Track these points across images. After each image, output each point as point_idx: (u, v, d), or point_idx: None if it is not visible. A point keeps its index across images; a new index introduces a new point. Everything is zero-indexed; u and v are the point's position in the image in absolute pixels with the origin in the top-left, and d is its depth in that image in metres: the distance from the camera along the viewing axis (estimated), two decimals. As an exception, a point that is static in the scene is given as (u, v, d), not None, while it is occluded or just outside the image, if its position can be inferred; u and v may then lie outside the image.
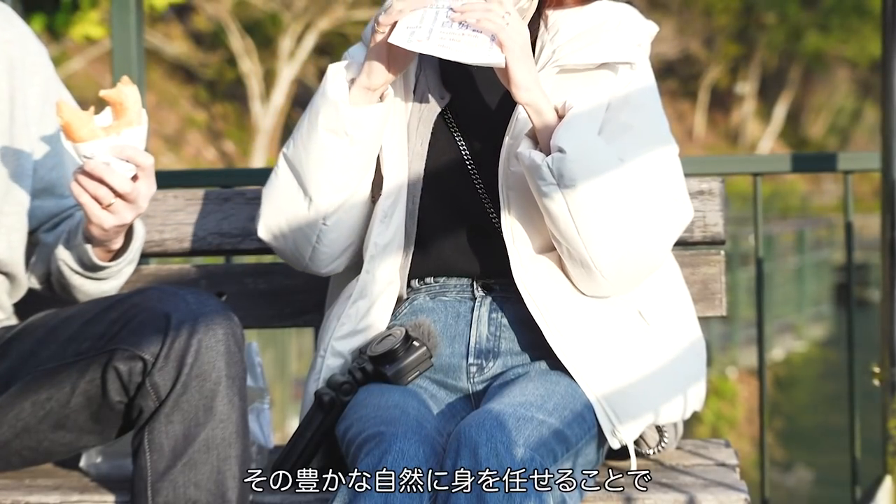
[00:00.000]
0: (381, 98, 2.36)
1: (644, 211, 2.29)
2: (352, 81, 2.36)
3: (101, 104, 2.24)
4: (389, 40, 2.26)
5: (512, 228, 2.35)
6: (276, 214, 2.43)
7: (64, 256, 2.39)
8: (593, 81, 2.38)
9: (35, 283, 2.49)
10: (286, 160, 2.40)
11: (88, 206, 2.23)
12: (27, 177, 2.42)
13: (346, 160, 2.35)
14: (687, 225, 2.39)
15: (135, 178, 2.23)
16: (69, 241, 2.39)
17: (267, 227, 2.45)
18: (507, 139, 2.36)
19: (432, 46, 2.24)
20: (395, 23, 2.28)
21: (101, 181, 2.20)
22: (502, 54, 2.24)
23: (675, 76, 26.17)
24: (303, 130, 2.38)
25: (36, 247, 2.48)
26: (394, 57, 2.31)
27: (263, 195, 2.45)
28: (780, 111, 28.38)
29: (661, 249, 2.34)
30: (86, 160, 2.19)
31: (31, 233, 2.47)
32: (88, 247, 2.34)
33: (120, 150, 2.20)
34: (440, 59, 2.39)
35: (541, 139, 2.29)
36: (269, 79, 17.97)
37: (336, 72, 2.36)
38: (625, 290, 2.35)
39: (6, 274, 2.42)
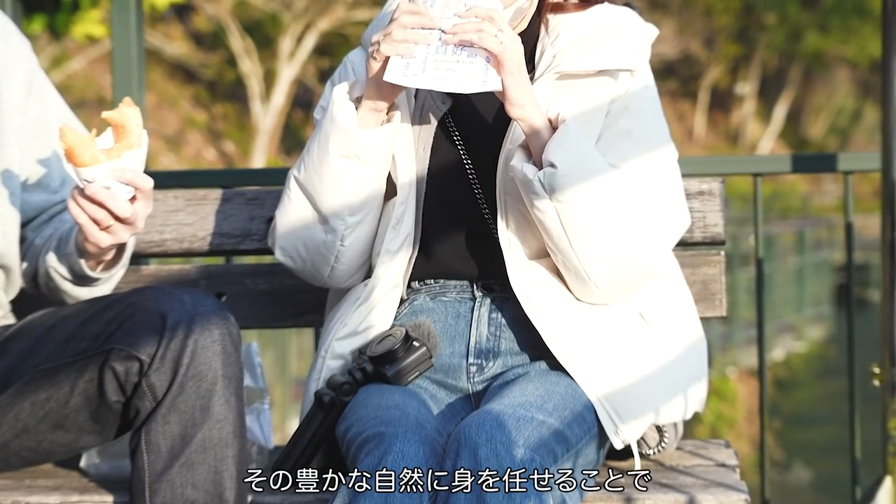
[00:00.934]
0: (389, 116, 2.36)
1: (638, 222, 2.29)
2: (357, 100, 2.35)
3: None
4: (385, 78, 2.25)
5: (508, 233, 2.35)
6: (291, 238, 2.43)
7: (54, 264, 2.38)
8: (593, 87, 2.37)
9: (22, 282, 2.48)
10: (298, 184, 2.39)
11: (87, 227, 2.23)
12: (15, 168, 2.42)
13: (359, 183, 2.35)
14: (683, 233, 2.39)
15: (133, 198, 2.23)
16: (60, 249, 2.38)
17: (283, 249, 2.45)
18: (505, 145, 2.36)
19: (428, 80, 2.23)
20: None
21: (102, 206, 2.21)
22: (499, 77, 2.23)
23: (675, 76, 26.17)
24: (313, 155, 2.36)
25: (22, 244, 2.47)
26: None
27: (277, 217, 2.45)
28: (780, 111, 28.39)
29: (657, 258, 2.34)
30: (87, 184, 2.19)
31: (23, 226, 2.47)
32: (82, 261, 2.34)
33: (120, 174, 2.20)
34: None
35: (534, 152, 2.29)
36: (269, 79, 17.97)
37: (342, 95, 2.35)
38: (621, 298, 2.35)
39: (2, 267, 2.42)
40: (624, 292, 2.34)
